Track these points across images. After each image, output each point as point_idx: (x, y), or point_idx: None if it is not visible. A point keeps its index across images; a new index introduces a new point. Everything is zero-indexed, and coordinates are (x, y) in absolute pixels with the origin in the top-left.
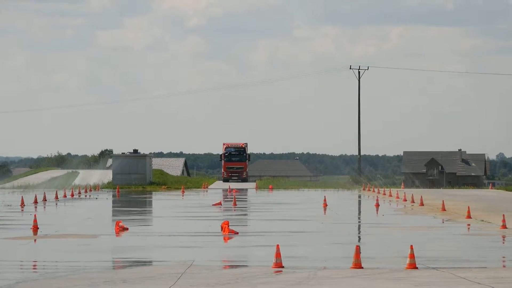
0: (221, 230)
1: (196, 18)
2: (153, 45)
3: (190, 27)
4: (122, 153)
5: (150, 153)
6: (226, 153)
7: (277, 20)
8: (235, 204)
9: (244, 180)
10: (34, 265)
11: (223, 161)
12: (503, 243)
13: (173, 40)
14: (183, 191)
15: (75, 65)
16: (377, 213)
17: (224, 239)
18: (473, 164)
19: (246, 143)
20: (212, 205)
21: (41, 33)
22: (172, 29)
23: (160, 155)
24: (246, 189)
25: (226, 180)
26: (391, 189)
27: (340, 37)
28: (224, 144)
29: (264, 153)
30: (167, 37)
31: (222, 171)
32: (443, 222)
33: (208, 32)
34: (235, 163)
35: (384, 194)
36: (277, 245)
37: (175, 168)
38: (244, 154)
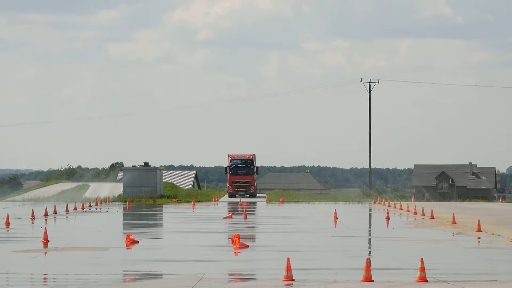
0: (232, 243)
1: (206, 31)
2: (163, 58)
3: (199, 40)
4: (132, 166)
5: (161, 166)
6: (232, 165)
7: (287, 33)
8: (245, 217)
9: (252, 195)
10: (45, 278)
11: (228, 174)
12: None
13: (183, 53)
14: (194, 204)
15: (86, 77)
16: (387, 226)
17: (235, 252)
18: (483, 178)
19: (254, 155)
20: (223, 218)
21: (51, 46)
22: (182, 42)
23: (170, 168)
24: (257, 202)
25: (232, 195)
26: (402, 202)
27: (350, 50)
28: (229, 155)
29: (275, 166)
30: (177, 49)
31: (228, 185)
32: (453, 235)
33: (218, 45)
34: (242, 176)
35: (395, 207)
36: (288, 258)
37: (185, 181)
38: (252, 167)
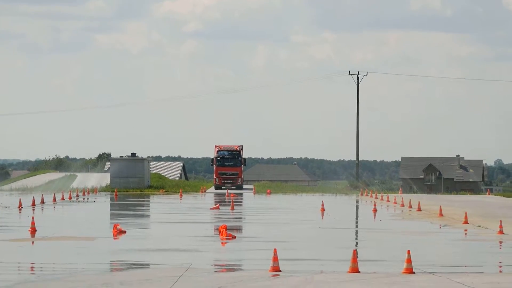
0: (219, 234)
1: (194, 22)
2: (151, 49)
3: (188, 31)
4: (120, 156)
5: (148, 157)
6: (219, 156)
7: (275, 25)
8: (232, 208)
9: (239, 187)
10: (32, 267)
11: (215, 165)
12: (500, 248)
13: (170, 44)
14: (181, 195)
15: (73, 68)
16: (374, 218)
17: (222, 243)
18: (470, 170)
19: (241, 146)
20: (210, 209)
21: (39, 36)
22: (170, 33)
23: (158, 158)
24: (244, 194)
25: (218, 187)
26: (389, 194)
27: (338, 43)
28: (216, 146)
29: (262, 158)
30: (165, 41)
31: (214, 177)
32: (440, 227)
33: (206, 36)
34: (229, 168)
35: (382, 199)
36: (275, 249)
37: (173, 171)
38: (239, 158)
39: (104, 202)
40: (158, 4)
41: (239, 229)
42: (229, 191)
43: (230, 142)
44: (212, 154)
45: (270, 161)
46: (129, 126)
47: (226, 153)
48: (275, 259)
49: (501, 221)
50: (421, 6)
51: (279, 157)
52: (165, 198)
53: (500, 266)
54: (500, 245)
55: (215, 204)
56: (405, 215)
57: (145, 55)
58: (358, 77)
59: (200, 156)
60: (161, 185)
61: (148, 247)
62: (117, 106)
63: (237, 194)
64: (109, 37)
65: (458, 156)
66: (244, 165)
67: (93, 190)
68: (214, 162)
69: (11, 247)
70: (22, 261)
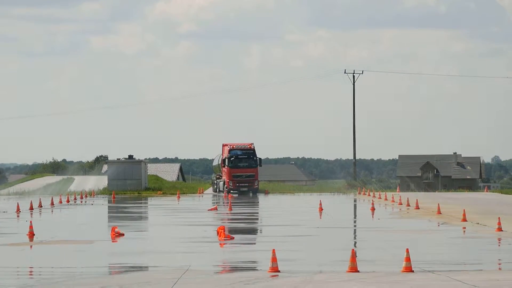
0: (217, 235)
1: (188, 23)
2: (146, 51)
3: (182, 32)
4: (117, 159)
5: (145, 159)
6: (232, 157)
7: (269, 24)
8: (230, 209)
9: (256, 191)
10: (31, 271)
11: (226, 167)
12: (499, 245)
13: (165, 46)
14: (179, 197)
15: (68, 71)
16: (372, 217)
17: (220, 244)
18: (468, 167)
19: (253, 144)
20: (208, 210)
21: (33, 40)
22: (165, 34)
23: (155, 160)
24: (242, 194)
25: (232, 191)
26: (387, 192)
27: (333, 41)
28: (224, 145)
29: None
30: (160, 42)
31: (226, 180)
32: (438, 225)
33: (201, 37)
34: (244, 169)
35: (380, 198)
36: (273, 250)
37: (170, 173)
38: (255, 158)
39: (102, 205)
40: (152, 5)
41: (237, 230)
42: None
43: (226, 141)
44: (209, 155)
45: (267, 161)
46: (126, 128)
47: (239, 152)
48: (274, 259)
49: (499, 218)
50: (415, 4)
51: (276, 157)
52: (162, 200)
53: (499, 264)
54: (499, 242)
55: (213, 205)
56: (403, 214)
57: (140, 56)
58: (353, 76)
59: (197, 158)
60: (159, 187)
61: (147, 249)
62: (113, 108)
63: (234, 195)
64: (103, 40)
65: (455, 153)
66: (260, 165)
67: (91, 193)
68: (227, 163)
69: (9, 251)
70: (20, 266)
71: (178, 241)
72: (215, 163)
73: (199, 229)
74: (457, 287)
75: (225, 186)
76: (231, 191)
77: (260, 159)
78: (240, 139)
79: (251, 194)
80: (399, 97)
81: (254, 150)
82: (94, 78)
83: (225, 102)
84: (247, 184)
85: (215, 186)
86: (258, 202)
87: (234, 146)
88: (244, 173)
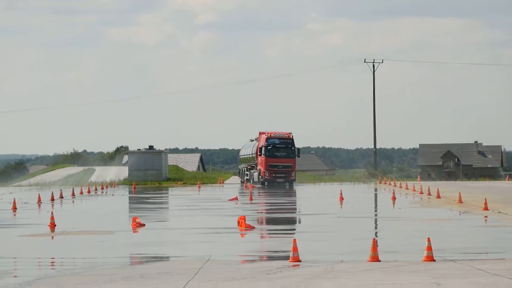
0: (238, 225)
1: (207, 13)
2: (165, 41)
3: (201, 22)
4: (137, 149)
5: (166, 149)
6: (269, 145)
7: (290, 13)
8: (251, 199)
9: (292, 183)
10: (52, 262)
11: (263, 156)
12: None
13: (184, 36)
14: (199, 187)
15: (89, 62)
16: (393, 206)
17: (241, 234)
18: (489, 156)
19: (291, 133)
20: (229, 200)
21: (54, 31)
22: (184, 25)
23: (175, 151)
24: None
25: (267, 182)
26: (407, 182)
27: (353, 30)
28: (261, 133)
29: None
30: (179, 33)
31: (262, 170)
32: (460, 214)
33: (220, 27)
34: (282, 159)
35: (401, 187)
36: (294, 239)
37: (190, 163)
38: (293, 148)
39: (122, 195)
40: None
41: (257, 219)
42: (248, 183)
43: (246, 132)
44: (229, 145)
45: None
46: (146, 118)
47: (277, 141)
48: (295, 249)
49: None
50: None
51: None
52: (183, 190)
53: None
54: None
55: (234, 195)
56: (424, 203)
57: (160, 47)
58: (373, 65)
59: (217, 148)
60: (179, 177)
61: (168, 239)
62: (133, 98)
63: (257, 185)
64: (123, 31)
65: (476, 142)
66: (298, 156)
67: (112, 184)
68: (263, 152)
69: (31, 242)
70: (42, 256)
71: (199, 231)
72: (244, 152)
73: (220, 219)
74: (479, 276)
75: (260, 176)
76: (267, 182)
77: (298, 149)
78: (259, 128)
79: (287, 186)
80: (419, 86)
81: (292, 139)
82: (114, 69)
83: (245, 92)
84: (283, 175)
85: (245, 177)
86: (278, 192)
87: (271, 135)
88: (281, 163)
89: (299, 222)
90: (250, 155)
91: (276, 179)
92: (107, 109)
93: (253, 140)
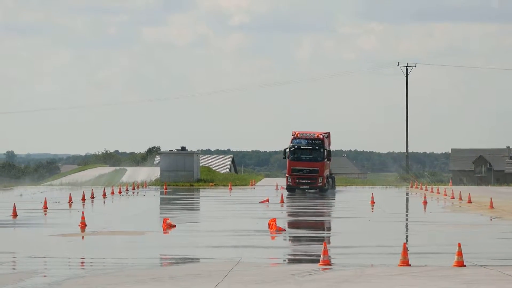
0: (269, 228)
1: (240, 15)
2: (197, 42)
3: (234, 24)
4: (169, 150)
5: (198, 150)
6: (293, 147)
7: (321, 16)
8: (282, 202)
9: (322, 190)
10: (82, 262)
11: (287, 159)
12: None
13: (217, 37)
14: (231, 188)
15: (120, 62)
16: (424, 211)
17: (272, 236)
18: None
19: (328, 133)
20: (260, 202)
21: (86, 31)
22: (216, 26)
23: (207, 152)
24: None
25: (291, 189)
26: (439, 186)
27: (386, 34)
28: (293, 133)
29: None
30: (211, 34)
31: (286, 175)
32: (491, 219)
33: (252, 29)
34: (306, 163)
35: (432, 191)
36: (324, 243)
37: (222, 165)
38: (321, 150)
39: (153, 196)
40: None
41: (288, 222)
42: (279, 184)
43: (278, 134)
44: (261, 147)
45: None
46: (178, 119)
47: (303, 142)
48: (325, 252)
49: None
50: None
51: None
52: (214, 192)
53: None
54: None
55: (265, 198)
56: (455, 208)
57: (191, 48)
58: (407, 69)
59: (249, 149)
60: (211, 179)
61: (198, 241)
62: (165, 99)
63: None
64: (155, 31)
65: (508, 147)
66: (328, 159)
67: (143, 184)
68: (287, 154)
69: (61, 242)
70: (72, 256)
71: (229, 233)
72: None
73: (251, 221)
74: (510, 282)
75: (285, 182)
76: (290, 189)
77: (329, 151)
78: (290, 131)
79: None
80: (451, 90)
81: (322, 140)
82: (146, 69)
83: (277, 95)
84: (308, 181)
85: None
86: (309, 195)
87: (298, 134)
88: (305, 167)
89: (330, 225)
90: None
91: (299, 185)
92: (139, 110)
93: None
